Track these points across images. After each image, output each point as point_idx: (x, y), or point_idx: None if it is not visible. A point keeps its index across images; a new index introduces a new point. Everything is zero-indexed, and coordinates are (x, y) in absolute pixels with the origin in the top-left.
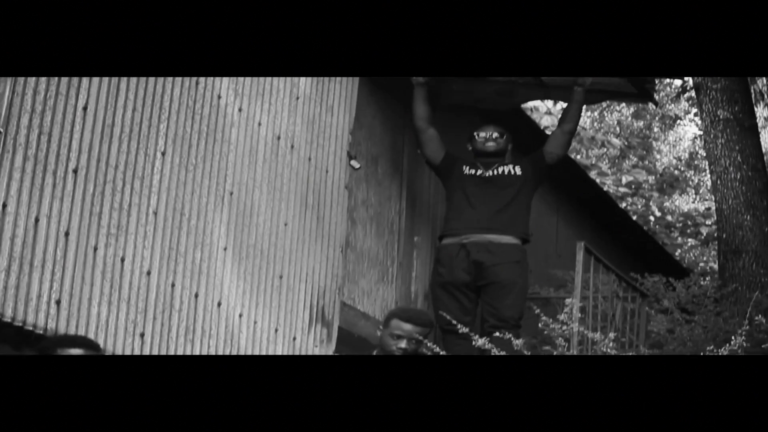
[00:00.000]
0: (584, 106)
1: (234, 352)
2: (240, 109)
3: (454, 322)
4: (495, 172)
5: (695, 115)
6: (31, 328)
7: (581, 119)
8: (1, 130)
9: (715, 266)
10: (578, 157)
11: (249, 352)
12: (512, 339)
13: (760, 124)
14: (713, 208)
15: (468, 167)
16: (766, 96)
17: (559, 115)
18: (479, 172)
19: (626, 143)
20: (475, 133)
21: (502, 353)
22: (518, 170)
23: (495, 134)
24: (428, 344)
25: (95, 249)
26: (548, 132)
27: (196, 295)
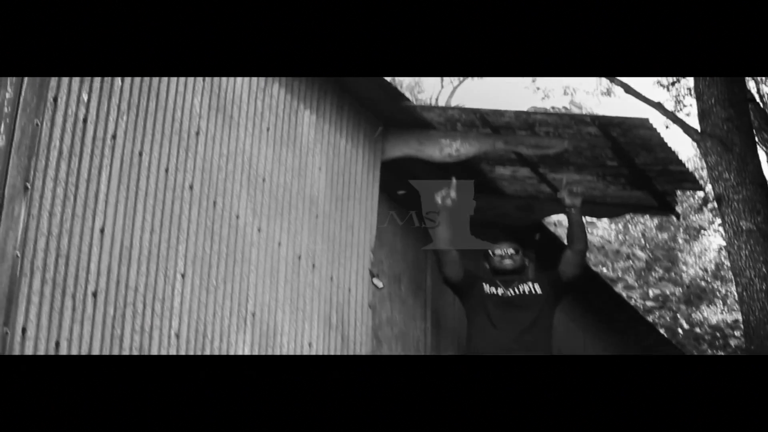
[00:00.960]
0: (608, 219)
1: None
2: (259, 229)
3: None
4: (516, 292)
5: (720, 225)
6: None
7: (607, 232)
8: (18, 254)
9: None
10: (604, 269)
11: None
12: None
13: None
14: (740, 319)
15: (488, 285)
16: None
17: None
18: (500, 291)
19: (651, 256)
20: (490, 251)
21: None
22: (538, 288)
23: (511, 251)
24: None
25: None
26: None
27: None
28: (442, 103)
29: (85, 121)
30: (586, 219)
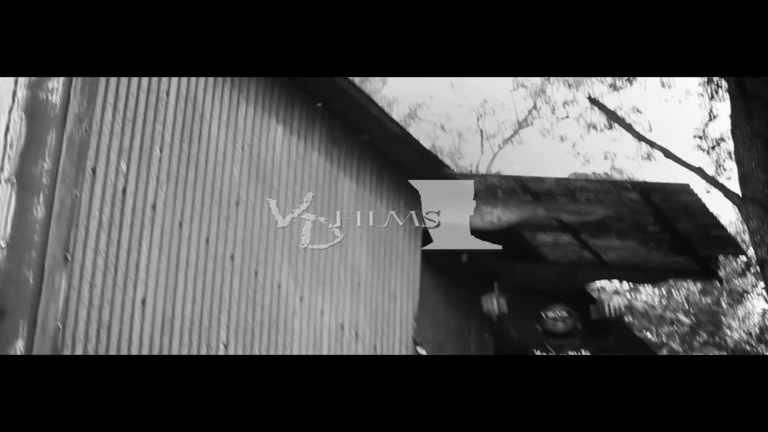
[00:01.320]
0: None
1: None
2: (301, 299)
3: None
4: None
5: (763, 288)
6: None
7: (651, 297)
8: (59, 325)
9: None
10: (648, 334)
11: None
12: None
13: None
14: None
15: (539, 351)
16: None
17: (628, 293)
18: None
19: (695, 320)
20: (543, 313)
21: None
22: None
23: (564, 313)
24: None
25: None
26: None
27: None
28: (482, 170)
29: (124, 191)
30: (630, 284)
